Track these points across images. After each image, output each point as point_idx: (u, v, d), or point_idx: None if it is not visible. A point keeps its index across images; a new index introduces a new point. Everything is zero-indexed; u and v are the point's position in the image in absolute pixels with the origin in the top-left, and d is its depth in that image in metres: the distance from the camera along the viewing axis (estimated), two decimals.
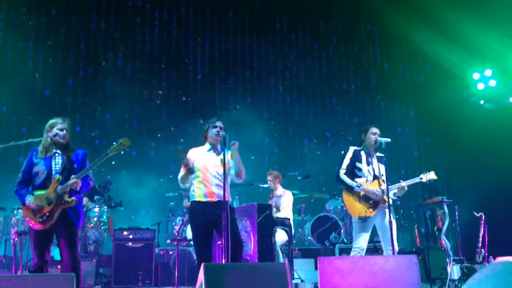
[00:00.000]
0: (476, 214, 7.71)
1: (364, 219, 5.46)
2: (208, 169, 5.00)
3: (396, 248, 5.28)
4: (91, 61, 10.09)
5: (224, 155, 4.87)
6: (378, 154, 5.74)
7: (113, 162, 9.41)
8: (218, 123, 5.11)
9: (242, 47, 11.18)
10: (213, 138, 5.08)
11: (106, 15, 10.30)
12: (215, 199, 4.95)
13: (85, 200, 7.63)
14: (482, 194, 8.86)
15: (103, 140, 9.77)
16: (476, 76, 10.25)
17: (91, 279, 6.48)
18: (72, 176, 4.53)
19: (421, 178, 5.51)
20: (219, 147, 5.13)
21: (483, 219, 7.60)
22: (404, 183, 5.48)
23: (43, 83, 9.75)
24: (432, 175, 5.53)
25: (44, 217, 4.49)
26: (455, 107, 10.53)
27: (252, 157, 9.86)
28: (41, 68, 9.77)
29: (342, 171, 5.65)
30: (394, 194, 5.56)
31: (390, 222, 5.24)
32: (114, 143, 4.62)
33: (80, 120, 9.63)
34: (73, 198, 4.58)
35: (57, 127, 4.67)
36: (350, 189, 5.60)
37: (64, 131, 4.69)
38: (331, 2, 10.71)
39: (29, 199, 4.53)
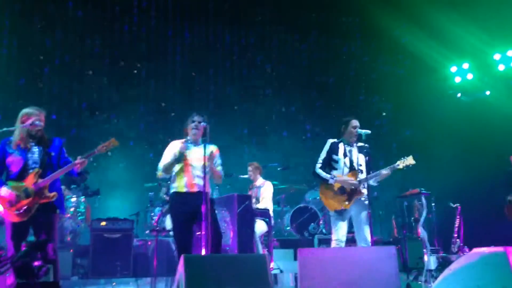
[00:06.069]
0: (452, 205, 7.83)
1: (340, 212, 5.41)
2: (189, 161, 5.03)
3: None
4: (67, 50, 9.89)
5: (204, 147, 4.87)
6: (360, 144, 5.62)
7: None
8: (196, 118, 5.10)
9: (222, 38, 11.09)
10: (192, 133, 5.08)
11: (84, 3, 10.09)
12: (195, 189, 4.95)
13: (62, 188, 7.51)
14: (458, 185, 9.01)
15: (80, 129, 9.61)
16: (453, 69, 10.39)
17: (67, 270, 6.37)
18: (79, 157, 4.50)
19: (398, 165, 5.44)
20: (200, 140, 5.12)
21: (459, 210, 7.74)
22: (384, 172, 5.41)
23: (18, 71, 9.52)
24: (409, 160, 5.42)
25: (22, 211, 4.36)
26: (433, 100, 10.64)
27: (232, 148, 9.81)
28: (16, 55, 9.54)
29: (318, 165, 5.58)
30: (375, 180, 5.48)
31: (369, 213, 5.28)
32: (101, 142, 4.64)
33: (56, 109, 9.45)
34: (54, 193, 4.49)
35: (34, 117, 4.56)
36: (325, 182, 5.53)
37: (42, 122, 4.58)
38: None
39: (5, 190, 4.40)
